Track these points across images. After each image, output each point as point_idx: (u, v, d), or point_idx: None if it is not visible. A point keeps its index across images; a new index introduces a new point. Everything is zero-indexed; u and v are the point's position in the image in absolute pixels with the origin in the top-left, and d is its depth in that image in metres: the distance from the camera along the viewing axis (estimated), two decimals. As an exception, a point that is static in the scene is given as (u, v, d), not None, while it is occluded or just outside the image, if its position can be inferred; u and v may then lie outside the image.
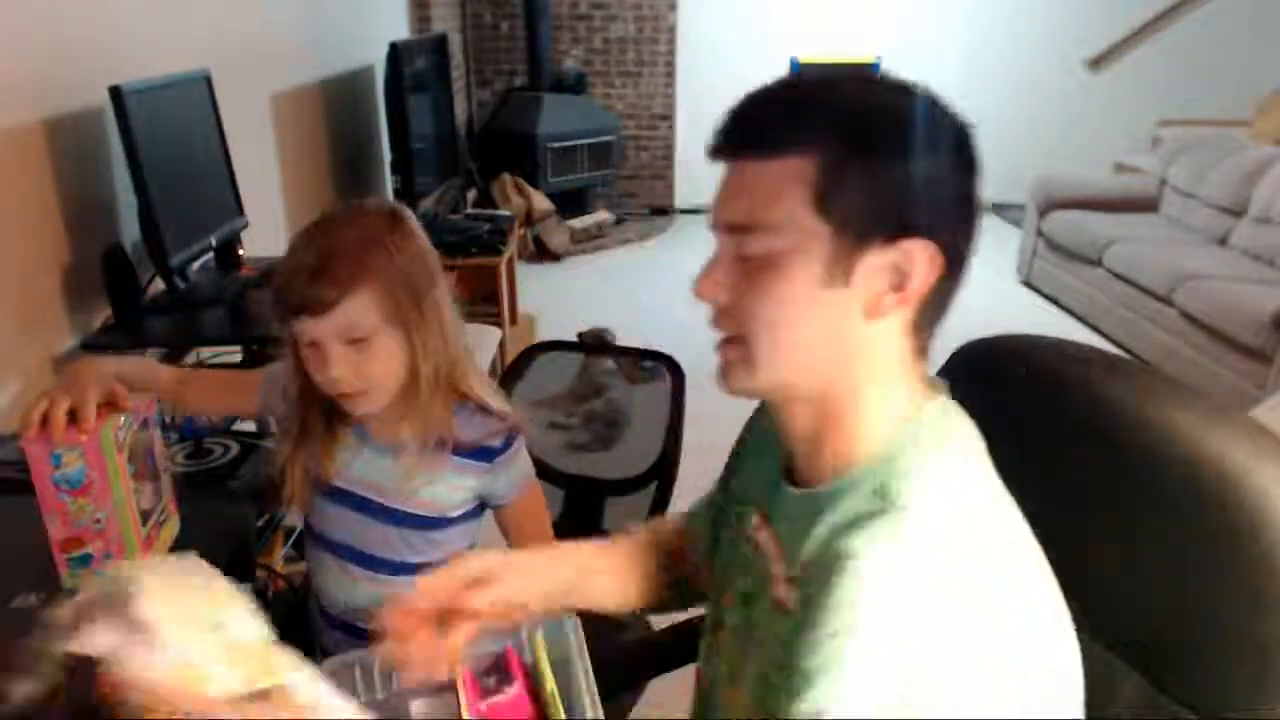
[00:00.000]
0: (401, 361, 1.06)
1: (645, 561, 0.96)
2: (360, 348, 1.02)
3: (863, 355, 0.67)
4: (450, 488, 1.15)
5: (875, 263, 0.64)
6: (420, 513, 1.15)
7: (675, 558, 0.98)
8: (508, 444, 1.16)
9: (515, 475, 1.19)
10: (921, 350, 0.69)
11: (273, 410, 1.19)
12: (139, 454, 1.04)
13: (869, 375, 0.67)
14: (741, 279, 0.67)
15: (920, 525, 0.61)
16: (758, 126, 0.66)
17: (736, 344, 0.68)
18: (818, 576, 0.63)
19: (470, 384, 1.13)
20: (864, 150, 0.63)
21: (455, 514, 1.18)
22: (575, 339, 3.41)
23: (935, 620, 0.57)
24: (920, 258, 0.63)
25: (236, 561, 1.15)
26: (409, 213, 1.10)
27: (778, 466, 0.78)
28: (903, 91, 0.66)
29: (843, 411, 0.68)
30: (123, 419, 1.00)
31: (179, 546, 1.10)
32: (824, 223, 0.63)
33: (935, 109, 0.66)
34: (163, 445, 1.11)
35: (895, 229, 0.63)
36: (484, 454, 1.15)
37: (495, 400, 1.16)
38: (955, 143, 0.66)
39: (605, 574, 0.92)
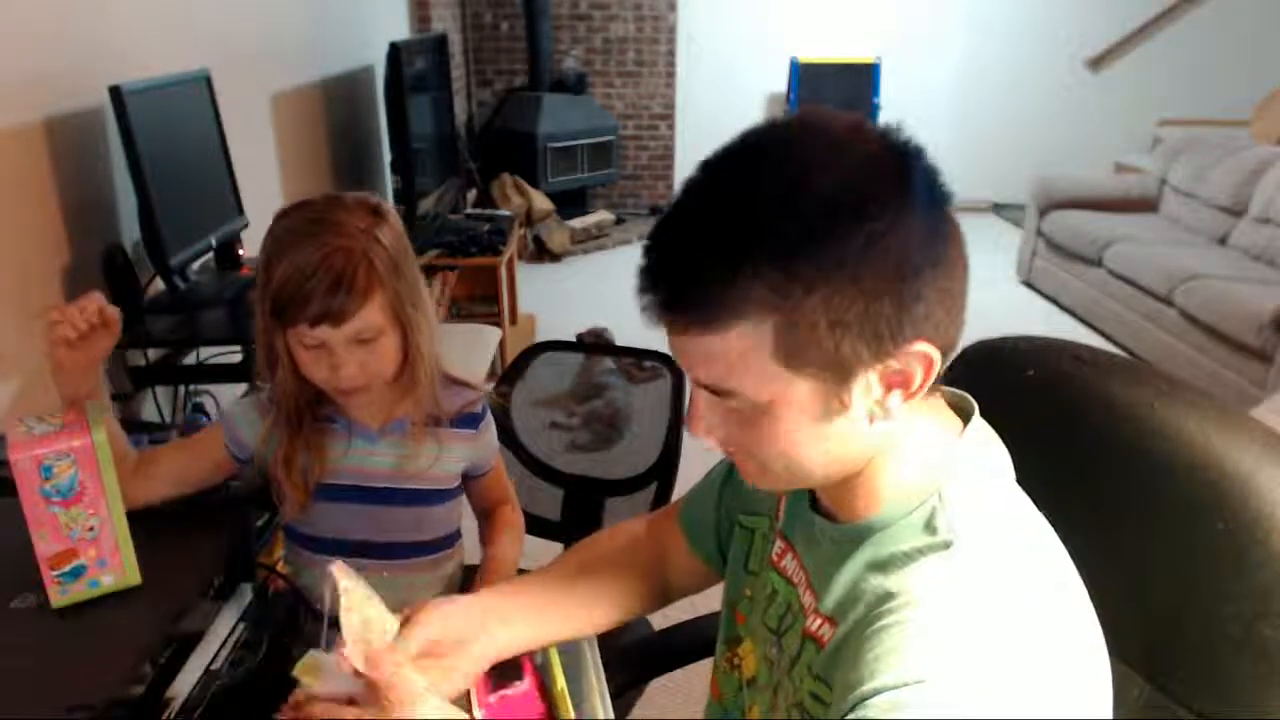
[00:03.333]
0: (400, 351, 1.09)
1: (608, 583, 0.93)
2: (368, 345, 1.05)
3: (880, 439, 0.64)
4: (450, 458, 1.20)
5: (868, 381, 0.60)
6: (432, 487, 1.20)
7: (644, 567, 0.95)
8: (485, 410, 1.23)
9: (493, 440, 1.26)
10: (937, 386, 0.65)
11: (243, 443, 1.16)
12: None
13: (890, 444, 0.65)
14: (734, 422, 0.63)
15: (972, 562, 0.59)
16: (685, 301, 0.58)
17: (749, 459, 0.66)
18: (864, 615, 0.61)
19: (441, 361, 1.18)
20: (814, 289, 0.55)
21: (454, 485, 1.23)
22: (575, 339, 3.41)
23: (995, 660, 0.54)
24: (915, 360, 0.59)
25: (236, 561, 1.15)
26: (384, 201, 1.12)
27: (799, 489, 0.76)
28: (839, 171, 0.56)
29: (870, 471, 0.66)
30: (97, 418, 0.97)
31: (181, 545, 1.10)
32: (799, 375, 0.59)
33: (882, 166, 0.57)
34: None
35: (879, 348, 0.58)
36: (470, 420, 1.21)
37: (461, 374, 1.23)
38: (916, 197, 0.57)
39: (575, 606, 0.89)
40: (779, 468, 0.65)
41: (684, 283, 0.58)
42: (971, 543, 0.60)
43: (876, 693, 0.54)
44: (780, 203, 0.56)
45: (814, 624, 0.67)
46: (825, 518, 0.71)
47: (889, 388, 0.60)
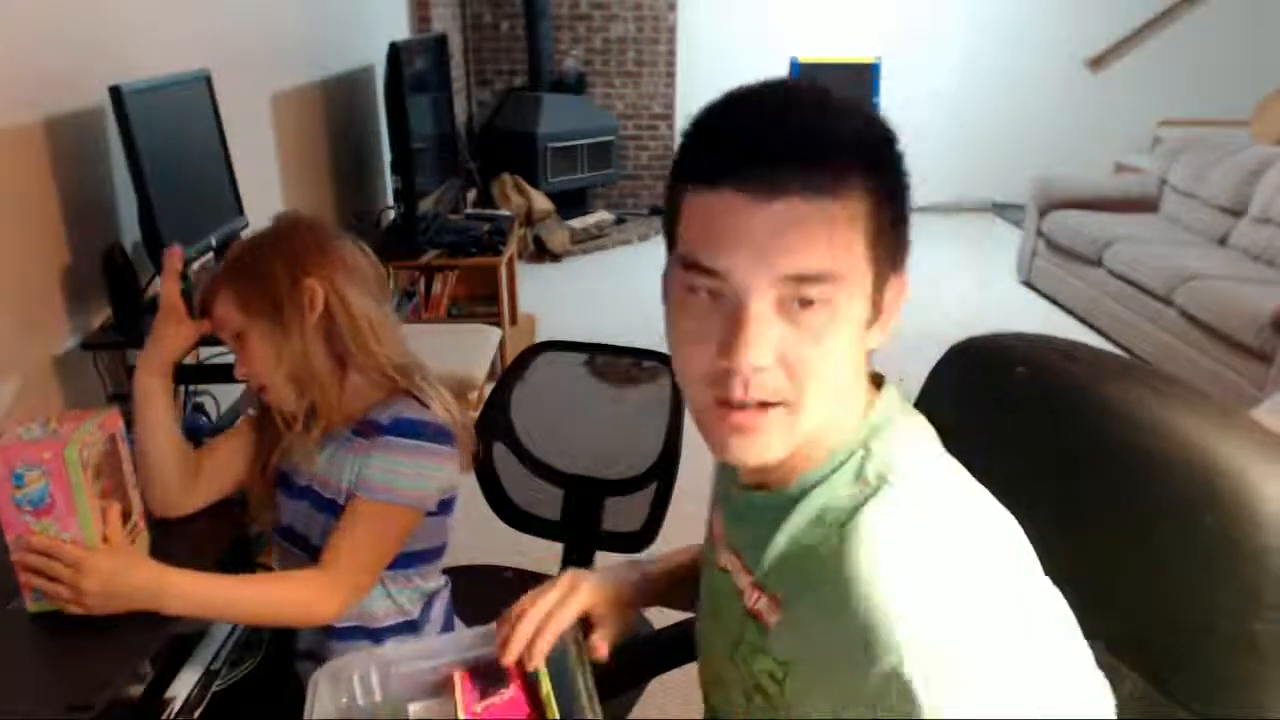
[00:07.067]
0: (270, 359, 1.10)
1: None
2: (240, 343, 1.12)
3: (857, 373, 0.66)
4: (344, 467, 1.13)
5: (887, 295, 0.64)
6: (333, 496, 1.13)
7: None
8: (399, 428, 1.08)
9: (383, 472, 1.07)
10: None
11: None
12: (108, 470, 1.02)
13: (851, 393, 0.67)
14: (789, 331, 0.59)
15: (913, 495, 0.62)
16: (806, 160, 0.57)
17: (778, 403, 0.61)
18: (801, 567, 0.63)
19: (414, 385, 1.13)
20: (895, 184, 0.62)
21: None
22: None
23: (950, 578, 0.56)
24: (900, 287, 0.64)
25: (235, 561, 1.15)
26: (309, 226, 1.15)
27: (730, 477, 0.77)
28: (874, 110, 0.64)
29: (824, 429, 0.65)
30: (89, 430, 0.97)
31: (181, 545, 1.10)
32: (870, 264, 0.61)
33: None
34: (130, 460, 1.09)
35: (894, 265, 0.63)
36: (366, 427, 1.12)
37: (440, 405, 1.13)
38: (899, 159, 0.64)
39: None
40: (812, 396, 0.61)
41: (805, 143, 0.58)
42: (904, 480, 0.62)
43: (848, 620, 0.56)
44: (872, 117, 0.62)
45: (753, 599, 0.68)
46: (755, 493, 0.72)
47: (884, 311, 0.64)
